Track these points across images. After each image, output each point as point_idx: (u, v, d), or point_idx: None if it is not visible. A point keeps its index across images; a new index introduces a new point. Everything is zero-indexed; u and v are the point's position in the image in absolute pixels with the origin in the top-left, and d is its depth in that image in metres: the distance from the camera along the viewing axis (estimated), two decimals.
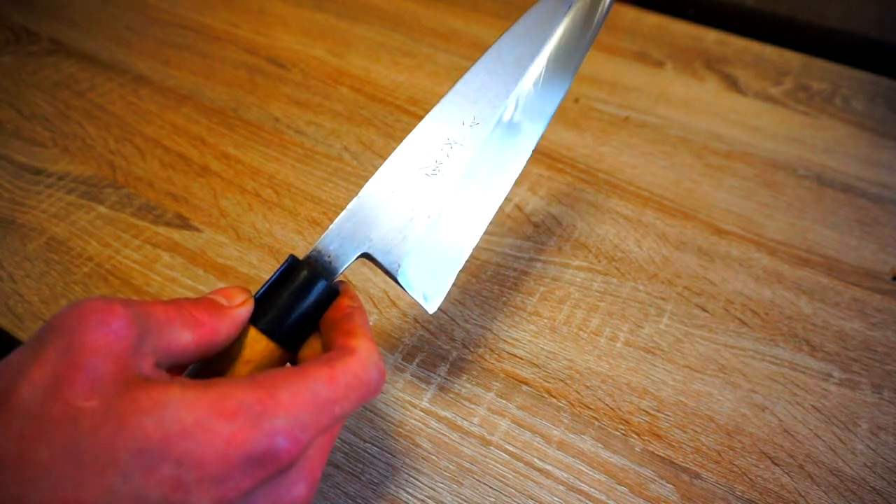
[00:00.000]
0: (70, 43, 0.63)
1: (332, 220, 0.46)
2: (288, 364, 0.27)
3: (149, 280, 0.42)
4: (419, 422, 0.36)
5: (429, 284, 0.29)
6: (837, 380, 0.39)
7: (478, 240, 0.30)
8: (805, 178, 0.53)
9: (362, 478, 0.33)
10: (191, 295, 0.41)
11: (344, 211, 0.28)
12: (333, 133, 0.55)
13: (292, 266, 0.26)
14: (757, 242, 0.47)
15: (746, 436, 0.36)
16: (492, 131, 0.30)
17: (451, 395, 0.37)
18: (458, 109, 0.30)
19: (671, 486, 0.34)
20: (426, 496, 0.33)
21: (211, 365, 0.25)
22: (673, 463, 0.35)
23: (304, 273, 0.26)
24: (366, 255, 0.28)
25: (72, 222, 0.46)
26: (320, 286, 0.26)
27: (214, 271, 0.43)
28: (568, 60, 0.32)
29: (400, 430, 0.35)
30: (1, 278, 0.42)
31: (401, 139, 0.30)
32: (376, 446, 0.35)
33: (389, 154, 0.29)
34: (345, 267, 0.27)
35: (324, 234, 0.28)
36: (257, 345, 0.25)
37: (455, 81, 0.31)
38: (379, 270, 0.31)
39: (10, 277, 0.42)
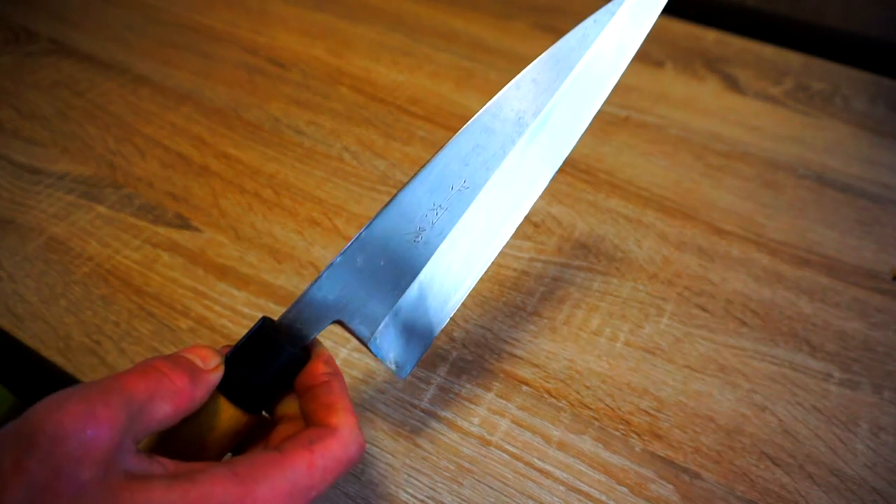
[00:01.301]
0: (70, 43, 0.63)
1: (331, 221, 0.47)
2: (265, 414, 0.27)
3: (148, 280, 0.42)
4: (419, 422, 0.36)
5: (401, 354, 0.28)
6: (837, 380, 0.39)
7: (455, 310, 0.29)
8: (805, 178, 0.53)
9: (362, 478, 0.33)
10: (190, 295, 0.41)
11: (319, 277, 0.27)
12: (333, 133, 0.55)
13: (261, 332, 0.25)
14: (757, 242, 0.47)
15: (746, 436, 0.36)
16: (481, 195, 0.29)
17: (451, 395, 0.37)
18: (447, 170, 0.28)
19: (671, 486, 0.34)
20: (426, 496, 0.33)
21: (177, 428, 0.24)
22: (673, 463, 0.35)
23: (274, 341, 0.25)
24: (339, 322, 0.27)
25: (71, 222, 0.46)
26: (289, 354, 0.25)
27: (214, 271, 0.43)
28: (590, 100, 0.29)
29: (400, 430, 0.35)
30: (1, 278, 0.42)
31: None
32: (376, 446, 0.35)
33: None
34: (317, 334, 0.27)
35: (297, 301, 0.26)
36: (224, 413, 0.24)
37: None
38: None
39: (10, 277, 0.42)
